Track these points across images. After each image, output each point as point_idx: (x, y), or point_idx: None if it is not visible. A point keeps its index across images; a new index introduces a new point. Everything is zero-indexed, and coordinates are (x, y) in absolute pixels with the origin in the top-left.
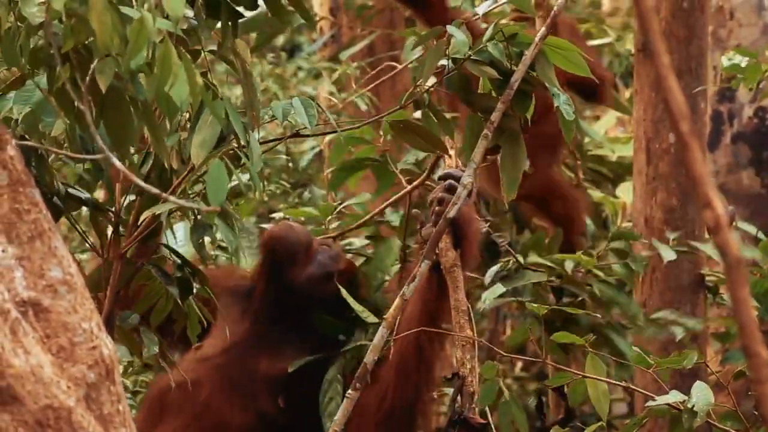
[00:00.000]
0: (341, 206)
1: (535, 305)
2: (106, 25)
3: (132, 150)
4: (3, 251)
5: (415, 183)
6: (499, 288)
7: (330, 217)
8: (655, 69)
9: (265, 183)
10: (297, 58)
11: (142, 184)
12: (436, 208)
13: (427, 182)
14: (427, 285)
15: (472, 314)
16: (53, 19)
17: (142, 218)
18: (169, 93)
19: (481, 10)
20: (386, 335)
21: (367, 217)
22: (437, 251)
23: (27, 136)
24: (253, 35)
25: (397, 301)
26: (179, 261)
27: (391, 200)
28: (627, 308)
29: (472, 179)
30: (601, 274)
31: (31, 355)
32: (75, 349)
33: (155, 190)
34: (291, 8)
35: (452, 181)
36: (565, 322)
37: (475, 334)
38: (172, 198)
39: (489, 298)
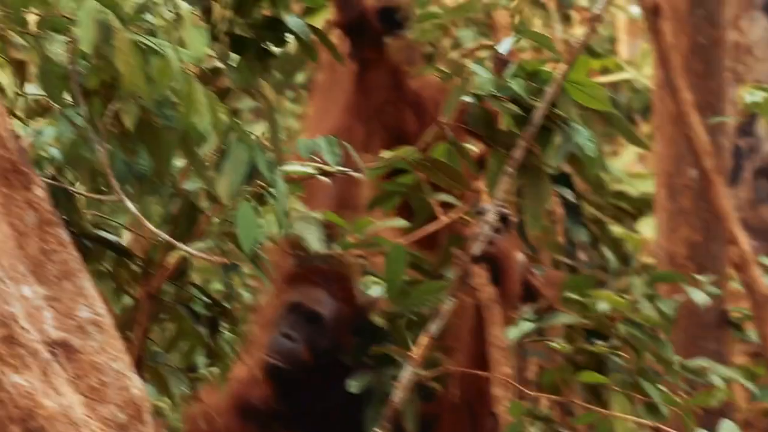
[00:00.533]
0: (377, 226)
1: (559, 344)
2: (132, 67)
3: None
4: (32, 291)
5: (451, 216)
6: (526, 325)
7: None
8: (677, 105)
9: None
10: None
11: (160, 233)
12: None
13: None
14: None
15: (509, 351)
16: (78, 58)
17: (171, 259)
18: (194, 122)
19: (504, 47)
20: (412, 373)
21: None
22: (475, 287)
23: (57, 176)
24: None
25: (423, 338)
26: (208, 300)
27: (426, 232)
28: (661, 353)
29: (495, 216)
30: (633, 317)
31: (62, 395)
32: (105, 389)
33: (175, 242)
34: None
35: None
36: (597, 365)
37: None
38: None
39: (514, 335)
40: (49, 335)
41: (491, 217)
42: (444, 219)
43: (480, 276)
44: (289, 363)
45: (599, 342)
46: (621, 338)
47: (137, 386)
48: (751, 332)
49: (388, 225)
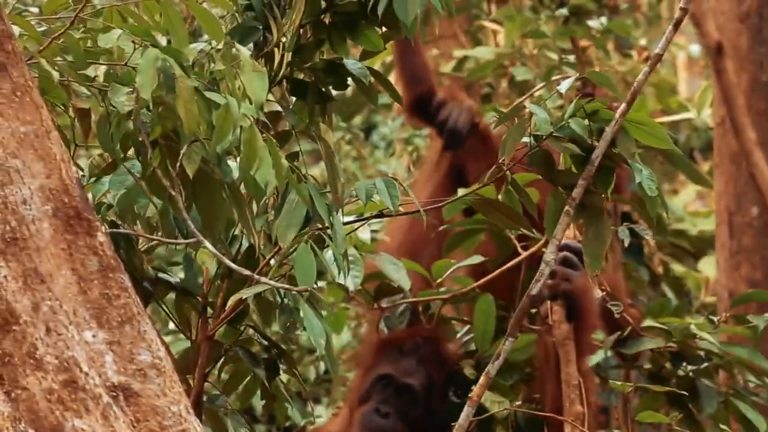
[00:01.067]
0: (456, 267)
1: (619, 383)
2: (193, 113)
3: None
4: (94, 336)
5: (530, 250)
6: (600, 354)
7: (441, 279)
8: (739, 143)
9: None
10: (374, 136)
11: (232, 265)
12: (549, 281)
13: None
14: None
15: (583, 389)
16: (142, 107)
17: (230, 302)
18: (255, 176)
19: (563, 88)
20: (471, 414)
21: (480, 282)
22: (551, 324)
23: (118, 221)
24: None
25: (482, 379)
26: (266, 342)
27: (504, 267)
28: (758, 363)
29: (554, 256)
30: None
31: None
32: None
33: (246, 272)
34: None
35: (568, 253)
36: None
37: (586, 410)
38: (262, 279)
39: (596, 360)
40: (110, 379)
41: (552, 254)
42: (523, 253)
43: (557, 313)
44: None
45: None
46: (711, 357)
47: (196, 429)
48: None
49: (468, 263)
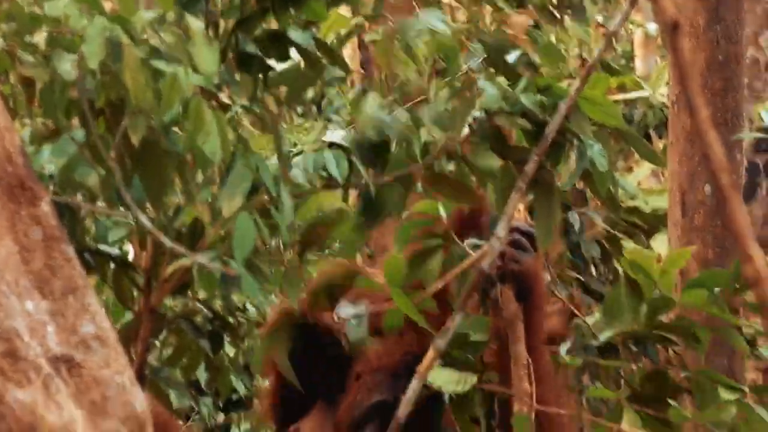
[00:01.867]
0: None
1: (569, 357)
2: (139, 82)
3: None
4: (36, 306)
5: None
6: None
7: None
8: (693, 122)
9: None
10: (328, 110)
11: (166, 240)
12: (498, 263)
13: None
14: None
15: (531, 368)
16: (86, 75)
17: (167, 272)
18: (202, 146)
19: (511, 59)
20: (418, 388)
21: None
22: (499, 304)
23: (60, 192)
24: (284, 88)
25: (430, 352)
26: (210, 314)
27: (453, 272)
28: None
29: (505, 232)
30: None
31: (64, 410)
32: (107, 403)
33: (181, 249)
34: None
35: (518, 235)
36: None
37: (534, 388)
38: (196, 255)
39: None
40: (52, 350)
41: (503, 230)
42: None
43: (505, 294)
44: None
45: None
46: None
47: (140, 401)
48: (764, 348)
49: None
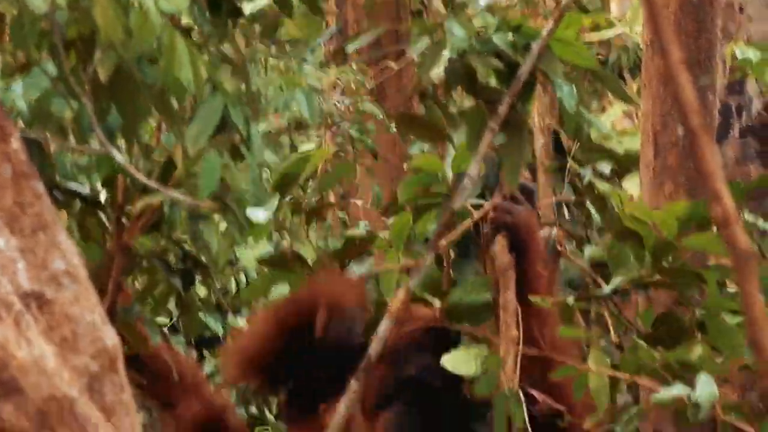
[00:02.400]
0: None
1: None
2: (110, 18)
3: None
4: (6, 243)
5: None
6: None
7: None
8: (665, 63)
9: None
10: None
11: (139, 176)
12: (491, 214)
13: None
14: None
15: (520, 315)
16: (56, 9)
17: (137, 208)
18: (178, 76)
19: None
20: (390, 326)
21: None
22: (492, 254)
23: (28, 127)
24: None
25: (401, 293)
26: (181, 253)
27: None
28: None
29: (477, 171)
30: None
31: (35, 346)
32: (78, 340)
33: (151, 183)
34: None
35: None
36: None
37: (521, 334)
38: (168, 190)
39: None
40: (23, 287)
41: (476, 170)
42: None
43: (499, 244)
44: None
45: None
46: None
47: (110, 337)
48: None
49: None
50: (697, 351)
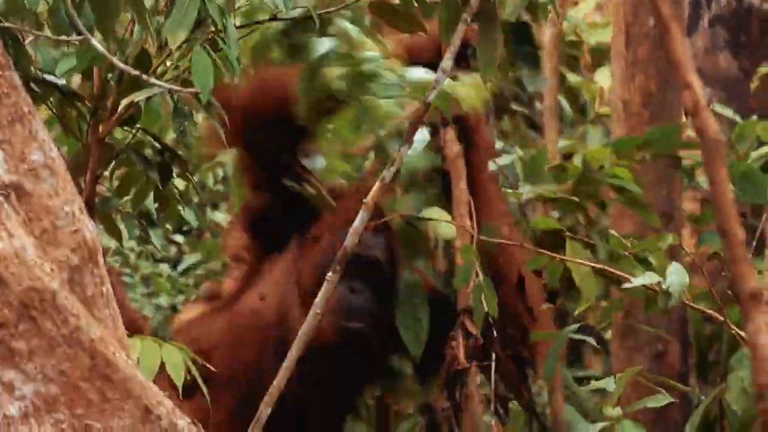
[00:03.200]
0: None
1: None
2: None
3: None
4: None
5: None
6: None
7: None
8: None
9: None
10: None
11: (122, 65)
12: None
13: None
14: None
15: (473, 206)
16: None
17: (121, 105)
18: None
19: None
20: (366, 218)
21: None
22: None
23: (2, 19)
24: None
25: (377, 185)
26: (159, 146)
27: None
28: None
29: (451, 63)
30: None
31: (15, 237)
32: (57, 232)
33: (136, 72)
34: None
35: None
36: None
37: (476, 226)
38: (154, 80)
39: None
40: (2, 178)
41: (450, 61)
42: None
43: (448, 134)
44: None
45: None
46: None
47: (90, 229)
48: (702, 179)
49: None
50: (667, 240)
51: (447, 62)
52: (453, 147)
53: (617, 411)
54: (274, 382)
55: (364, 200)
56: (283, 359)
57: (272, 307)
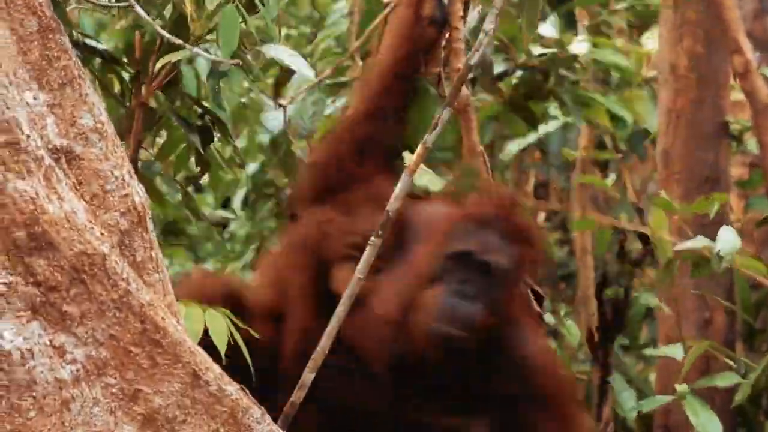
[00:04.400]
0: None
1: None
2: None
3: None
4: (35, 98)
5: None
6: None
7: None
8: None
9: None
10: None
11: (162, 31)
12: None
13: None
14: None
15: (486, 157)
16: None
17: (156, 66)
18: None
19: None
20: (408, 182)
21: None
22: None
23: None
24: None
25: (419, 149)
26: (200, 110)
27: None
28: None
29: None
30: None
31: (65, 201)
32: (107, 196)
33: (176, 39)
34: None
35: None
36: None
37: (491, 174)
38: (187, 46)
39: (512, 150)
40: (52, 141)
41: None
42: None
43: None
44: (465, 329)
45: None
46: None
47: (139, 193)
48: (750, 143)
49: None
50: (714, 204)
51: (489, 24)
52: (462, 94)
53: (683, 387)
54: (318, 348)
55: (408, 166)
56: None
57: None
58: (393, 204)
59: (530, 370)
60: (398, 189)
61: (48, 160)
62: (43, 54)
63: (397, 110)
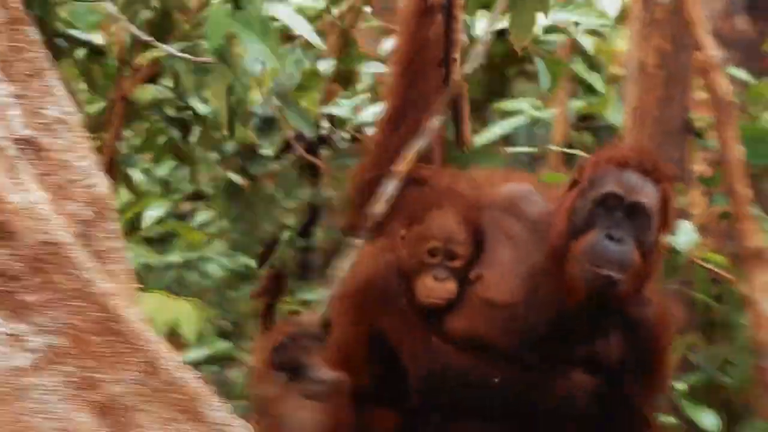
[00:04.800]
0: None
1: None
2: None
3: None
4: (0, 89)
5: None
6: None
7: None
8: None
9: None
10: None
11: (136, 31)
12: None
13: None
14: None
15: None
16: None
17: (139, 61)
18: None
19: None
20: (397, 186)
21: None
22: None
23: None
24: None
25: (410, 154)
26: (183, 104)
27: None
28: None
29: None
30: None
31: (29, 192)
32: (71, 186)
33: (150, 38)
34: None
35: None
36: None
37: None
38: (162, 45)
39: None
40: (17, 132)
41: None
42: None
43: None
44: (623, 271)
45: None
46: None
47: (103, 184)
48: (713, 140)
49: None
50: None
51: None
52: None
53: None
54: None
55: (396, 168)
56: None
57: None
58: (379, 206)
59: (645, 333)
60: (386, 192)
61: (13, 151)
62: (10, 45)
63: (428, 99)
